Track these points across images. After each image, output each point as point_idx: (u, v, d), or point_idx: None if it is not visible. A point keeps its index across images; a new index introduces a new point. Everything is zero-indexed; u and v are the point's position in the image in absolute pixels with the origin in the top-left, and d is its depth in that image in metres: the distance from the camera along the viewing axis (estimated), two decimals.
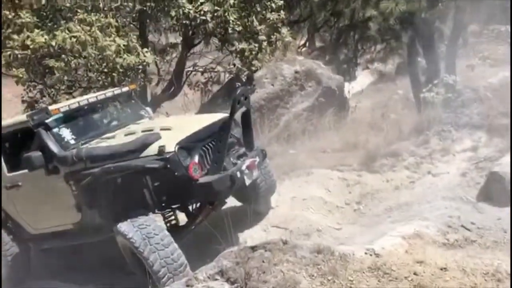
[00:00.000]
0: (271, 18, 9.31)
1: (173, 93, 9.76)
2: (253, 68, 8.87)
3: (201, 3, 7.71)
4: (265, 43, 8.79)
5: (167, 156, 4.49)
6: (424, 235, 4.15)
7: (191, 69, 9.83)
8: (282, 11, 9.68)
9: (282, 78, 9.09)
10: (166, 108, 10.06)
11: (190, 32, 8.73)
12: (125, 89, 6.00)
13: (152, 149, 4.59)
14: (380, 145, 7.12)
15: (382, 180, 6.58)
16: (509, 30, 15.79)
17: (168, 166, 4.50)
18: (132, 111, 6.07)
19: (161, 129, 4.95)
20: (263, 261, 3.26)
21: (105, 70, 7.13)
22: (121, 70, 7.21)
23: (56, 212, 5.04)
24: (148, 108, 6.42)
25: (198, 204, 5.20)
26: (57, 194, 4.93)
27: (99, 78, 7.57)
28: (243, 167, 4.96)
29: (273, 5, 9.40)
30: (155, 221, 4.62)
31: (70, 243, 5.28)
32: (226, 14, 7.84)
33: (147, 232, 4.41)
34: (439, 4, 11.55)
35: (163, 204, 4.89)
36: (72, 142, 5.11)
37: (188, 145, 4.72)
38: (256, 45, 8.63)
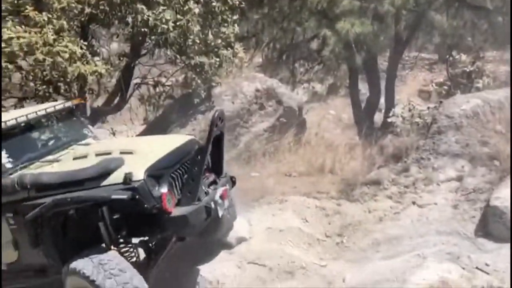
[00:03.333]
0: (226, 33, 8.73)
1: (117, 106, 8.74)
2: (213, 84, 8.18)
3: (163, 10, 6.91)
4: (226, 58, 8.14)
5: (135, 185, 3.87)
6: (450, 282, 3.75)
7: (139, 81, 8.89)
8: (236, 26, 9.14)
9: (243, 96, 8.52)
10: (109, 124, 9.04)
11: (141, 41, 7.89)
12: (68, 103, 5.13)
13: (116, 177, 3.96)
14: (356, 171, 6.75)
15: (363, 210, 6.19)
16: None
17: (137, 197, 3.83)
18: (74, 130, 5.22)
19: (121, 153, 4.26)
20: None
21: (50, 78, 6.07)
22: (68, 80, 6.19)
23: None
24: (90, 126, 5.55)
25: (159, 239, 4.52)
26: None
27: (39, 88, 6.46)
28: (217, 197, 4.38)
29: (228, 19, 8.84)
30: (117, 257, 3.97)
31: None
32: (190, 24, 7.10)
33: (111, 269, 3.77)
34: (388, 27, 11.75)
35: (122, 240, 4.23)
36: (9, 166, 4.27)
37: (157, 173, 4.07)
38: (217, 59, 7.96)
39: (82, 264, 3.83)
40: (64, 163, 4.38)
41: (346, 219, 6.13)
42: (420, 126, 7.81)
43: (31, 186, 4.00)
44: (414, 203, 5.93)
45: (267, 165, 8.19)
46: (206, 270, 5.46)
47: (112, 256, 3.95)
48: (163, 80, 9.06)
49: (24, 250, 4.21)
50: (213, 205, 4.29)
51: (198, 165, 4.13)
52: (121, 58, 7.86)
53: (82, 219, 4.11)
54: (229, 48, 8.85)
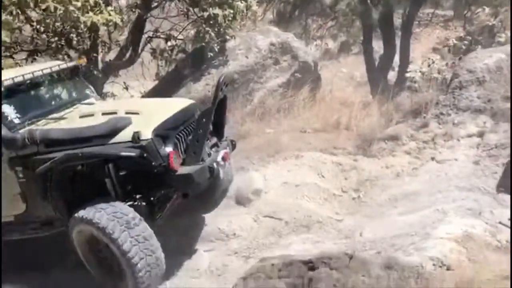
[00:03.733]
0: None
1: (129, 60, 8.57)
2: (227, 37, 7.96)
3: None
4: (239, 10, 7.87)
5: (143, 143, 4.05)
6: (475, 237, 3.70)
7: (150, 35, 8.66)
8: None
9: (257, 50, 8.30)
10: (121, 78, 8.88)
11: None
12: (72, 63, 5.27)
13: (124, 135, 4.12)
14: (373, 127, 6.63)
15: (380, 165, 6.11)
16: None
17: (145, 155, 4.02)
18: (77, 89, 5.35)
19: (127, 113, 4.40)
20: (335, 286, 2.58)
21: (61, 30, 5.91)
22: (80, 31, 6.03)
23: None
24: (91, 87, 5.65)
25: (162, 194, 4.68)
26: (3, 182, 4.31)
27: (51, 40, 6.31)
28: (219, 158, 4.60)
29: None
30: (131, 211, 4.07)
31: (8, 238, 4.59)
32: None
33: (126, 222, 3.92)
34: None
35: (128, 195, 4.34)
36: (17, 121, 4.37)
37: (163, 133, 4.26)
38: (231, 11, 7.70)
39: (95, 215, 3.94)
40: (71, 121, 4.50)
41: (363, 175, 6.06)
42: (439, 81, 7.64)
43: (41, 141, 4.10)
44: (433, 158, 5.83)
45: (282, 121, 8.06)
46: (224, 223, 5.48)
47: (127, 209, 4.05)
48: (175, 33, 8.85)
49: (32, 202, 4.36)
50: (215, 166, 4.48)
51: (203, 127, 4.24)
52: (133, 10, 7.63)
53: (89, 174, 4.28)
54: (242, 1, 8.57)
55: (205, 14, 7.64)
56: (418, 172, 5.77)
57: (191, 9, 7.96)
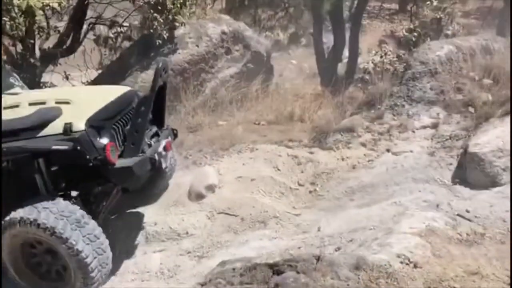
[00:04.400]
0: None
1: (70, 48, 7.99)
2: (176, 24, 7.57)
3: None
4: None
5: (76, 136, 3.79)
6: (437, 231, 3.63)
7: (93, 21, 8.11)
8: None
9: (208, 39, 7.95)
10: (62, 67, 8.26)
11: None
12: None
13: (54, 127, 3.86)
14: (328, 119, 6.51)
15: (336, 157, 6.00)
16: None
17: (78, 147, 3.77)
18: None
19: (57, 103, 4.10)
20: None
21: None
22: (14, 15, 5.48)
23: None
24: (16, 75, 5.21)
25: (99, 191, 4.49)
26: None
27: None
28: (160, 149, 4.36)
29: None
30: (78, 208, 3.87)
31: None
32: None
33: (76, 221, 3.70)
34: None
35: (60, 192, 4.13)
36: None
37: (98, 123, 4.01)
38: None
39: (40, 215, 3.66)
40: None
41: (319, 167, 5.92)
42: (390, 73, 7.65)
43: None
44: (388, 150, 5.78)
45: (235, 113, 7.81)
46: (175, 222, 5.19)
47: (72, 208, 3.82)
48: (120, 20, 8.34)
49: None
50: (157, 157, 4.26)
51: (142, 116, 4.03)
52: None
53: (16, 172, 3.94)
54: None
55: None
56: (374, 164, 5.70)
57: None
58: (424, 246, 3.34)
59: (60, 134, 3.78)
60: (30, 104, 4.12)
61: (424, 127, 5.85)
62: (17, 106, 4.13)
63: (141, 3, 7.77)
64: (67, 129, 3.77)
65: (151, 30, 7.42)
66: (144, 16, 7.81)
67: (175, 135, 5.10)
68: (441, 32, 8.96)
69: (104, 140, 3.94)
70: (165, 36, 7.43)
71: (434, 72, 6.43)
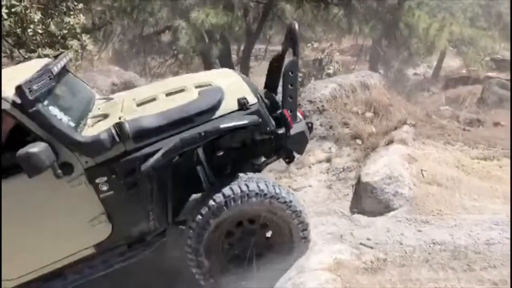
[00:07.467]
0: (70, 23, 7.88)
1: None
2: None
3: None
4: (73, 50, 7.29)
5: (254, 108, 3.68)
6: (345, 262, 3.79)
7: None
8: (82, 16, 8.32)
9: (98, 91, 7.72)
10: None
11: None
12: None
13: (227, 106, 3.68)
14: None
15: None
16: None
17: (260, 120, 3.67)
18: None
19: (197, 87, 3.93)
20: None
21: None
22: None
23: (61, 236, 3.47)
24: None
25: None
26: (64, 207, 3.40)
27: None
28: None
29: (72, 7, 8.01)
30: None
31: (88, 278, 3.64)
32: (29, 11, 6.14)
33: (288, 192, 3.88)
34: (245, 20, 11.91)
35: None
36: (72, 124, 3.48)
37: (259, 96, 3.94)
38: (65, 51, 7.04)
39: (271, 189, 3.64)
40: (156, 103, 3.79)
41: None
42: None
43: (134, 135, 3.35)
44: (289, 187, 5.97)
45: None
46: None
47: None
48: None
49: (121, 219, 3.55)
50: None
51: (292, 81, 3.84)
52: None
53: (184, 163, 3.72)
54: (75, 40, 8.04)
55: (34, 55, 6.86)
56: None
57: (15, 50, 7.10)
58: (335, 280, 3.46)
59: (236, 111, 3.64)
60: (196, 87, 3.89)
61: (320, 161, 6.16)
62: (182, 90, 3.88)
63: (22, 60, 7.34)
64: (244, 103, 3.62)
65: None
66: None
67: None
68: (323, 71, 9.64)
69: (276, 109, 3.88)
70: None
71: (322, 109, 6.87)
